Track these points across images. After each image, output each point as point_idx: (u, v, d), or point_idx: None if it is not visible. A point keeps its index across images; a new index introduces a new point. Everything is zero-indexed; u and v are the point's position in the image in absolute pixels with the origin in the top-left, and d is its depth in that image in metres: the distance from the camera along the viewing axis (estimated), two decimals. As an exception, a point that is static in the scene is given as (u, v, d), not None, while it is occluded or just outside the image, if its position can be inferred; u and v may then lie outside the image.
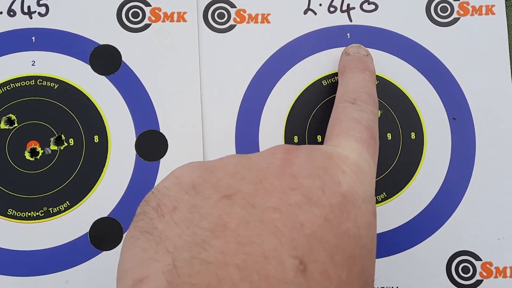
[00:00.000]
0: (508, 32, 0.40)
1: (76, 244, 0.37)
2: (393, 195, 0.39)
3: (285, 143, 0.39)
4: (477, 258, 0.38)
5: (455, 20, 0.41)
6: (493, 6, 0.41)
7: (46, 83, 0.39)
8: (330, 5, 0.41)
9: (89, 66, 0.39)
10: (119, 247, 0.37)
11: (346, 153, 0.28)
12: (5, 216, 0.37)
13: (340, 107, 0.33)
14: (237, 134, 0.39)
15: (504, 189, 0.39)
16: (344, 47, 0.40)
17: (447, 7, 0.41)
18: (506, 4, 0.41)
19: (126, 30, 0.40)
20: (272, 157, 0.27)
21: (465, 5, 0.41)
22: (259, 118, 0.40)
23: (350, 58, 0.37)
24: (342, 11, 0.41)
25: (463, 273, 0.38)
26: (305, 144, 0.39)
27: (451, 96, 0.40)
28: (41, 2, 0.40)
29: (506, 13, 0.41)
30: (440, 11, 0.41)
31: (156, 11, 0.40)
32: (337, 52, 0.40)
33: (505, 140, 0.39)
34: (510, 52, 0.40)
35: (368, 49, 0.40)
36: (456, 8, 0.41)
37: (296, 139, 0.39)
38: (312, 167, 0.26)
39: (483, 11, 0.41)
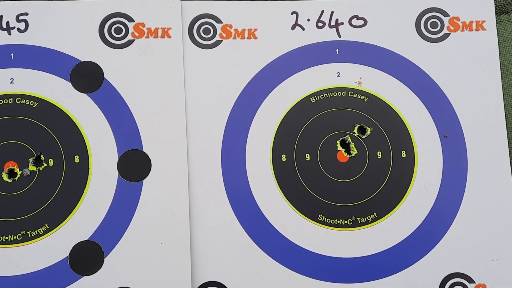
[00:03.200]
0: (499, 48, 0.40)
1: (55, 269, 0.36)
2: (384, 216, 0.38)
3: (273, 161, 0.38)
4: (470, 280, 0.37)
5: (446, 36, 0.40)
6: (483, 21, 0.40)
7: (25, 101, 0.38)
8: (318, 21, 0.40)
9: (70, 84, 0.38)
10: (100, 271, 0.36)
11: None
12: (-19, 240, 0.36)
13: None
14: (223, 153, 0.38)
15: (497, 208, 0.38)
16: (333, 63, 0.39)
17: (437, 23, 0.40)
18: (496, 20, 0.40)
19: (109, 46, 0.38)
20: None
21: (455, 20, 0.40)
22: (246, 137, 0.39)
23: None
24: (330, 26, 0.40)
25: (456, 296, 0.37)
26: (293, 162, 0.38)
27: (442, 113, 0.39)
28: (20, 18, 0.38)
29: (497, 28, 0.40)
30: (430, 27, 0.40)
31: (140, 26, 0.39)
32: (325, 68, 0.39)
33: (497, 158, 0.38)
34: (501, 68, 0.39)
35: (357, 65, 0.39)
36: (446, 24, 0.40)
37: (284, 157, 0.38)
38: None
39: (474, 27, 0.40)
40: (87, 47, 0.38)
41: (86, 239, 0.36)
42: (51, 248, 0.36)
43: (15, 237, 0.36)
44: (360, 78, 0.39)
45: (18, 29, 0.38)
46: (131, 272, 0.36)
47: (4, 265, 0.36)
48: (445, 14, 0.40)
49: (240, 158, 0.38)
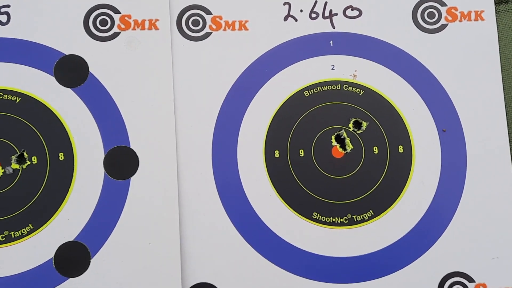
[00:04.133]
0: (498, 38, 0.38)
1: (39, 271, 0.35)
2: (381, 213, 0.36)
3: (266, 157, 0.37)
4: (470, 279, 0.36)
5: (443, 26, 0.39)
6: (482, 11, 0.39)
7: (7, 97, 0.36)
8: (312, 11, 0.39)
9: (53, 78, 0.37)
10: (86, 273, 0.35)
11: None
12: (-38, 241, 0.35)
13: None
14: (214, 150, 0.37)
15: (497, 205, 0.36)
16: (327, 56, 0.38)
17: (435, 13, 0.39)
18: (496, 10, 0.39)
19: (94, 39, 0.37)
20: None
21: (453, 10, 0.39)
22: (238, 132, 0.37)
23: None
24: (324, 17, 0.39)
25: (455, 296, 0.36)
26: (287, 158, 0.37)
27: (440, 106, 0.38)
28: (2, 10, 0.37)
29: (496, 18, 0.39)
30: (427, 17, 0.39)
31: (126, 18, 0.37)
32: (319, 61, 0.38)
33: (498, 153, 0.37)
34: (501, 59, 0.38)
35: (352, 57, 0.38)
36: (444, 14, 0.39)
37: (277, 153, 0.37)
38: None
39: (472, 17, 0.39)
40: (71, 40, 0.37)
41: (71, 239, 0.35)
42: (35, 249, 0.35)
43: (-3, 238, 0.35)
44: (355, 70, 0.38)
45: (0, 22, 0.37)
46: (118, 274, 0.35)
47: (-14, 268, 0.34)
48: (443, 4, 0.39)
49: (231, 154, 0.37)
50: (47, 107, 0.36)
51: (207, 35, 0.38)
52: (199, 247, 0.36)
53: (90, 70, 0.37)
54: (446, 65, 0.38)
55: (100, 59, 0.37)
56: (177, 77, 0.37)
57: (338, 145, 0.37)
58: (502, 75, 0.38)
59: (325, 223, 0.36)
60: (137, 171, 0.36)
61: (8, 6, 0.37)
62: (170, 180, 0.36)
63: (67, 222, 0.35)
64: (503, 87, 0.38)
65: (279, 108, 0.38)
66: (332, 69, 0.38)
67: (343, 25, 0.39)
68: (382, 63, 0.38)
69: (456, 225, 0.36)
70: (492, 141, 0.37)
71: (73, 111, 0.36)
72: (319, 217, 0.36)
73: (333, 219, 0.36)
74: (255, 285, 0.35)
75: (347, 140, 0.37)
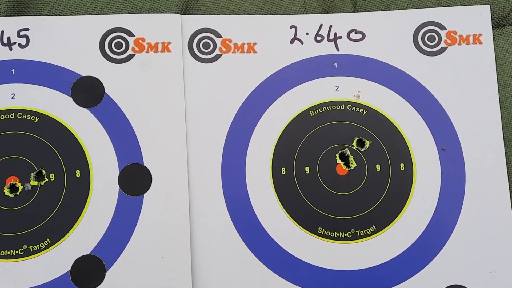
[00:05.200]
0: (496, 61, 0.40)
1: (57, 284, 0.36)
2: (383, 228, 0.38)
3: (273, 174, 0.39)
4: (469, 292, 0.37)
5: (443, 49, 0.40)
6: (480, 35, 0.40)
7: (26, 116, 0.38)
8: (317, 34, 0.40)
9: (70, 99, 0.38)
10: (102, 286, 0.36)
11: None
12: (-17, 255, 0.36)
13: None
14: (223, 166, 0.38)
15: (495, 220, 0.38)
16: (332, 77, 0.39)
17: (435, 36, 0.40)
18: (493, 33, 0.40)
19: (109, 61, 0.39)
20: None
21: (452, 34, 0.40)
22: (246, 150, 0.39)
23: None
24: (329, 40, 0.40)
25: (455, 308, 0.37)
26: (293, 175, 0.38)
27: (440, 126, 0.39)
28: (21, 33, 0.39)
29: (494, 42, 0.40)
30: (428, 40, 0.40)
31: (140, 41, 0.39)
32: (324, 82, 0.40)
33: (495, 171, 0.38)
34: (498, 81, 0.40)
35: (356, 78, 0.40)
36: (443, 37, 0.40)
37: (283, 170, 0.39)
38: None
39: (471, 41, 0.40)
40: (87, 62, 0.39)
41: (87, 253, 0.36)
42: (52, 262, 0.36)
43: (16, 252, 0.36)
44: (359, 91, 0.40)
45: (19, 45, 0.39)
46: (132, 286, 0.36)
47: (6, 280, 0.36)
48: (442, 27, 0.40)
49: (240, 171, 0.38)
50: (65, 126, 0.38)
51: (217, 57, 0.40)
52: (209, 260, 0.37)
53: (106, 91, 0.38)
54: (445, 86, 0.40)
55: (115, 81, 0.38)
56: (189, 98, 0.39)
57: (342, 163, 0.39)
58: (499, 96, 0.39)
59: (329, 237, 0.38)
60: (150, 188, 0.37)
61: (27, 29, 0.39)
62: (182, 196, 0.37)
63: (83, 237, 0.37)
64: (500, 108, 0.39)
65: (286, 127, 0.39)
66: (337, 89, 0.40)
67: (347, 47, 0.40)
68: (385, 84, 0.40)
69: (455, 239, 0.38)
70: (489, 159, 0.39)
71: (89, 130, 0.38)
72: (324, 232, 0.38)
73: (337, 234, 0.38)
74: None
75: (351, 158, 0.39)
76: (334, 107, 0.39)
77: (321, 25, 0.40)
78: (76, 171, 0.37)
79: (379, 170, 0.39)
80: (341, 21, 0.40)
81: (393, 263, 0.37)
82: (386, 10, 0.41)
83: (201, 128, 0.39)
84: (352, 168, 0.39)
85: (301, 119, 0.39)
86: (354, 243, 0.38)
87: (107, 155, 0.38)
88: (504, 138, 0.39)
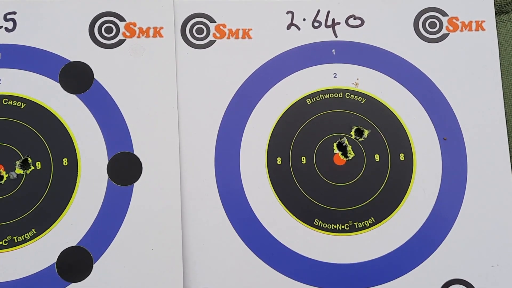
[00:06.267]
0: (499, 48, 0.39)
1: (42, 276, 0.35)
2: (382, 220, 0.37)
3: (268, 164, 0.37)
4: (471, 286, 0.36)
5: (444, 36, 0.39)
6: (483, 21, 0.39)
7: (13, 103, 0.36)
8: (315, 20, 0.39)
9: (58, 84, 0.37)
10: (89, 278, 0.35)
11: None
12: (-34, 246, 0.35)
13: None
14: (216, 156, 0.37)
15: (498, 213, 0.37)
16: (329, 64, 0.38)
17: (436, 23, 0.39)
18: (496, 20, 0.39)
19: (99, 46, 0.37)
20: None
21: (454, 20, 0.39)
22: (240, 139, 0.37)
23: None
24: (327, 26, 0.39)
25: (456, 303, 0.36)
26: (289, 165, 0.37)
27: (441, 115, 0.38)
28: (8, 17, 0.37)
29: (497, 29, 0.39)
30: (429, 27, 0.39)
31: (131, 26, 0.38)
32: (322, 69, 0.38)
33: (498, 161, 0.37)
34: (501, 69, 0.38)
35: (354, 66, 0.39)
36: (445, 24, 0.39)
37: (279, 160, 0.37)
38: None
39: (473, 27, 0.39)
40: (76, 47, 0.37)
41: (74, 244, 0.35)
42: (38, 254, 0.35)
43: (1, 243, 0.35)
44: (357, 79, 0.38)
45: (6, 28, 0.37)
46: (121, 279, 0.35)
47: (-11, 272, 0.34)
48: (444, 14, 0.39)
49: (234, 161, 0.37)
50: (52, 113, 0.37)
51: (211, 43, 0.39)
52: (202, 252, 0.36)
53: (95, 76, 0.37)
54: (447, 74, 0.38)
55: (105, 66, 0.37)
56: (181, 85, 0.38)
57: (339, 153, 0.38)
58: (502, 84, 0.38)
59: (326, 229, 0.37)
60: (140, 177, 0.36)
61: (14, 13, 0.38)
62: (173, 186, 0.36)
63: (70, 227, 0.35)
64: (503, 96, 0.38)
65: (282, 115, 0.38)
66: (334, 77, 0.39)
67: (345, 34, 0.39)
68: (384, 71, 0.39)
69: (456, 232, 0.36)
70: (492, 149, 0.37)
71: (77, 117, 0.37)
72: (320, 224, 0.37)
73: (335, 226, 0.37)
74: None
75: (349, 148, 0.38)
76: (331, 95, 0.38)
77: (318, 11, 0.39)
78: (63, 160, 0.36)
79: (378, 160, 0.37)
80: (339, 7, 0.39)
81: (392, 256, 0.36)
82: (386, -5, 0.39)
83: (194, 116, 0.37)
84: (350, 158, 0.38)
85: (297, 108, 0.38)
86: (351, 236, 0.36)
87: (96, 143, 0.36)
88: (507, 128, 0.38)
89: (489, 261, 0.36)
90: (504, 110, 0.38)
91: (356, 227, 0.37)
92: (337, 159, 0.38)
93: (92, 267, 0.35)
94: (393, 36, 0.39)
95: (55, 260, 0.35)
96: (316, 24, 0.39)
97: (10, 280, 0.35)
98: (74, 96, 0.37)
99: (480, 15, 0.39)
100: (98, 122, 0.37)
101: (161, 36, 0.38)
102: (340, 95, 0.38)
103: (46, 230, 0.35)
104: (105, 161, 0.36)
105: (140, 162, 0.36)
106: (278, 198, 0.37)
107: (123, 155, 0.36)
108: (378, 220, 0.37)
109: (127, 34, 0.38)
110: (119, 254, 0.35)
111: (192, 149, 0.37)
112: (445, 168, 0.37)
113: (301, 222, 0.37)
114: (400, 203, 0.37)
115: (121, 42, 0.38)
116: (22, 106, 0.37)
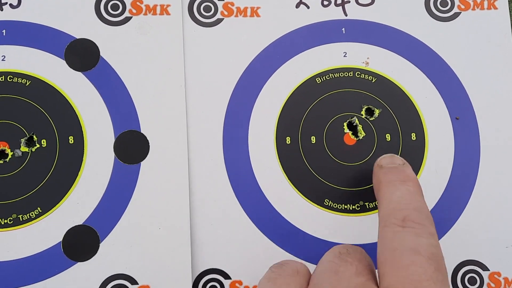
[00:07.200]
0: (511, 27, 0.38)
1: (48, 255, 0.34)
2: (393, 200, 0.36)
3: (277, 144, 0.37)
4: (485, 268, 0.35)
5: (456, 14, 0.38)
6: (495, 0, 0.38)
7: (17, 80, 0.36)
8: (324, -1, 0.38)
9: (64, 62, 0.36)
10: (95, 257, 0.34)
11: None
12: (-30, 225, 0.34)
13: (388, 232, 0.27)
14: (224, 136, 0.36)
15: (511, 193, 0.36)
16: (339, 43, 0.37)
17: (448, 1, 0.38)
18: (509, -2, 0.38)
19: (105, 23, 0.37)
20: None
21: (466, -2, 0.38)
22: (249, 118, 0.37)
23: (385, 170, 0.32)
24: (336, 4, 0.38)
25: (469, 284, 0.35)
26: (298, 145, 0.37)
27: (453, 94, 0.37)
28: (13, -7, 0.37)
29: (510, 7, 0.38)
30: (440, 5, 0.38)
31: (138, 3, 0.37)
32: (331, 48, 0.38)
33: (510, 140, 0.36)
34: (514, 48, 0.38)
35: (365, 44, 0.38)
36: (457, 2, 0.38)
37: (288, 140, 0.37)
38: None
39: (485, 6, 0.38)
40: (82, 24, 0.37)
41: (80, 223, 0.34)
42: (43, 232, 0.34)
43: (5, 221, 0.34)
44: (368, 58, 0.38)
45: (11, 5, 0.37)
46: (127, 258, 0.34)
47: (-6, 250, 0.34)
48: (456, -8, 0.39)
49: (242, 140, 0.37)
50: (57, 91, 0.36)
51: (219, 21, 0.38)
52: (210, 232, 0.35)
53: (101, 54, 0.36)
54: (459, 53, 0.38)
55: (111, 44, 0.37)
56: (188, 63, 0.37)
57: (350, 132, 0.37)
58: (515, 63, 0.38)
59: (336, 210, 0.36)
60: (148, 156, 0.35)
61: (19, -10, 0.37)
62: (181, 165, 0.35)
63: (76, 206, 0.35)
64: (517, 75, 0.37)
65: (291, 94, 0.37)
66: (344, 56, 0.38)
67: (355, 12, 0.38)
68: (395, 50, 0.38)
69: (469, 213, 0.36)
70: (505, 129, 0.37)
71: (83, 95, 0.36)
72: (330, 204, 0.36)
73: (345, 206, 0.36)
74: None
75: (359, 127, 0.37)
76: (342, 74, 0.38)
77: (328, -11, 0.38)
78: (69, 137, 0.35)
79: (389, 140, 0.37)
80: (350, -15, 0.38)
81: (403, 236, 0.35)
82: (397, -27, 0.39)
83: (202, 94, 0.37)
84: (360, 137, 0.37)
85: (307, 87, 0.37)
86: (362, 216, 0.36)
87: (102, 121, 0.36)
88: (521, 106, 0.37)
89: (503, 242, 0.35)
90: (517, 89, 0.37)
91: (367, 207, 0.36)
92: (348, 138, 0.37)
93: (99, 246, 0.34)
94: (403, 14, 0.38)
95: (61, 239, 0.34)
96: (325, 2, 0.38)
97: (15, 258, 0.34)
98: (80, 73, 0.36)
99: (492, -7, 0.38)
100: (104, 100, 0.36)
101: (168, 13, 0.37)
102: (351, 74, 0.38)
103: (52, 208, 0.34)
104: (111, 140, 0.36)
105: (147, 141, 0.36)
106: (287, 178, 0.36)
107: (129, 133, 0.36)
108: (389, 200, 0.36)
109: (134, 11, 0.37)
110: (126, 233, 0.34)
111: (199, 128, 0.36)
112: (457, 148, 0.37)
113: (311, 202, 0.36)
114: (411, 183, 0.36)
115: (127, 19, 0.37)
116: (27, 83, 0.36)
